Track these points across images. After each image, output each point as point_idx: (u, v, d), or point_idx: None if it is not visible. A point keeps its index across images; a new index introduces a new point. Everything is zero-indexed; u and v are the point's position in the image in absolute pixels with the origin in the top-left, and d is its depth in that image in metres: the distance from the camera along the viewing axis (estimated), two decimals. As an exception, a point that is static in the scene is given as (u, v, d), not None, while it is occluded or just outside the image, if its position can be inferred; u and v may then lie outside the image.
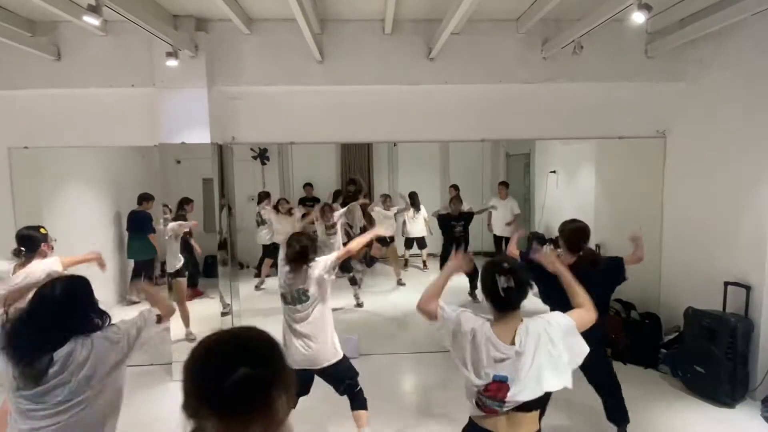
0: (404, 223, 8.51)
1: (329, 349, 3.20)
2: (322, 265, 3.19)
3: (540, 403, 2.03)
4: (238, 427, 0.96)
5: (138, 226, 6.84)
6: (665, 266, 5.16)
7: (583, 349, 2.06)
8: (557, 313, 2.13)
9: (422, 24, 4.58)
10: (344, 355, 3.30)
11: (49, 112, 4.70)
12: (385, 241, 7.67)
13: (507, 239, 8.36)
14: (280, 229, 7.17)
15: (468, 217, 7.17)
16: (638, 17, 3.29)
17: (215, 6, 3.85)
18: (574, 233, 3.28)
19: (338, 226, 6.79)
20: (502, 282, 2.00)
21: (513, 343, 1.98)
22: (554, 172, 7.79)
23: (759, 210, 4.00)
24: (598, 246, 6.15)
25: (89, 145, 4.92)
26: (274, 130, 4.90)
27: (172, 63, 4.13)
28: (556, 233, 7.63)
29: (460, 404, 3.83)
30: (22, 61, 4.38)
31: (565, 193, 7.48)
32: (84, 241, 6.29)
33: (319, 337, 3.15)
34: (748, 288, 4.03)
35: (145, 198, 6.90)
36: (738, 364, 3.93)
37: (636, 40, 4.67)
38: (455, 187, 8.72)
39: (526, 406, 1.99)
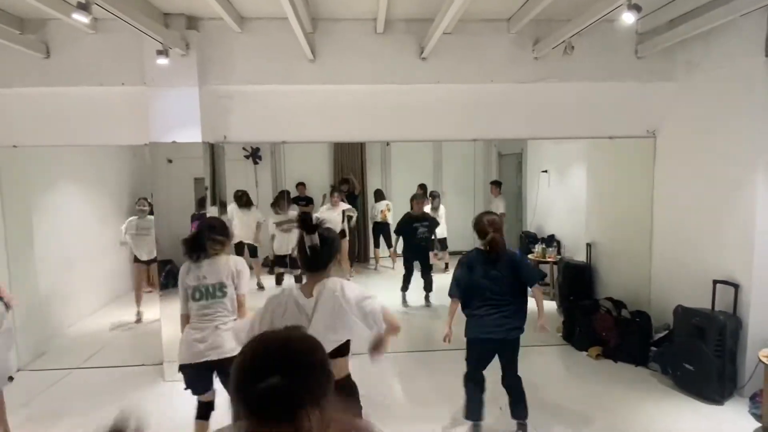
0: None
1: None
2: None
3: (342, 352, 2.15)
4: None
5: None
6: (655, 265, 5.20)
7: (375, 308, 2.17)
8: (357, 285, 2.26)
9: (414, 23, 4.59)
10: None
11: (38, 111, 4.65)
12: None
13: None
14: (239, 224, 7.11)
15: (432, 219, 7.12)
16: (628, 18, 3.32)
17: (206, 4, 3.82)
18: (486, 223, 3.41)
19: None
20: (308, 240, 2.11)
21: (311, 295, 2.13)
22: (546, 171, 7.83)
23: (746, 209, 4.04)
24: (589, 245, 6.20)
25: (79, 144, 4.89)
26: (266, 129, 4.89)
27: (162, 61, 4.10)
28: (547, 233, 7.78)
29: (453, 402, 3.83)
30: (10, 59, 4.33)
31: (557, 193, 7.52)
32: (74, 240, 6.27)
33: None
34: (736, 286, 4.08)
35: None
36: (726, 362, 3.97)
37: (626, 40, 4.71)
38: (422, 187, 8.77)
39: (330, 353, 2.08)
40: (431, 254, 7.38)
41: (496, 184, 8.63)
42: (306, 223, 2.13)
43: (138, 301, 6.37)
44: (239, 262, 3.13)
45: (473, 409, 3.48)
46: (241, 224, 7.11)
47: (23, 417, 3.91)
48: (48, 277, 5.54)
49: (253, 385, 0.97)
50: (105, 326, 6.25)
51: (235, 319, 3.05)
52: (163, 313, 4.63)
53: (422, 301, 6.98)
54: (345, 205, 7.81)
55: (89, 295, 6.72)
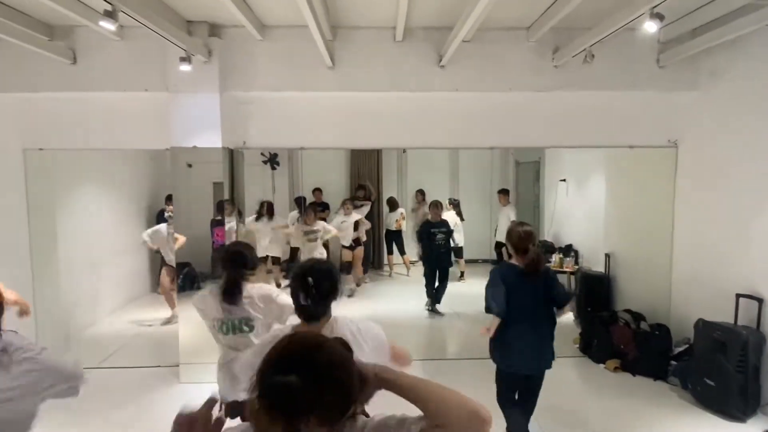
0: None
1: None
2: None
3: None
4: (265, 420, 1.01)
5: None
6: (676, 277, 5.10)
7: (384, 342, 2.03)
8: (375, 325, 2.05)
9: (433, 31, 4.60)
10: None
11: (63, 115, 4.77)
12: (350, 247, 7.75)
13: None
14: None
15: (449, 226, 7.16)
16: (650, 26, 3.28)
17: (229, 12, 3.89)
18: (524, 236, 3.16)
19: (320, 233, 6.93)
20: (302, 299, 1.89)
21: None
22: (564, 180, 7.76)
23: (772, 222, 3.95)
24: (607, 256, 6.11)
25: (103, 147, 5.00)
26: (284, 135, 4.94)
27: (185, 68, 4.18)
28: (564, 242, 7.69)
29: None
30: (39, 65, 4.45)
31: (575, 202, 7.44)
32: (95, 242, 6.40)
33: None
34: (760, 300, 3.97)
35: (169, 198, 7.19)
36: (749, 378, 3.87)
37: (648, 49, 4.66)
38: (421, 192, 9.00)
39: None
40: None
41: (504, 192, 8.57)
42: (299, 275, 1.91)
43: (172, 303, 6.19)
44: (263, 291, 2.78)
45: (519, 425, 3.30)
46: (262, 236, 7.18)
47: (43, 413, 3.98)
48: (69, 278, 5.65)
49: (274, 376, 1.00)
50: (122, 327, 6.34)
51: None
52: (180, 316, 4.68)
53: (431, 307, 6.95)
54: (358, 215, 7.84)
55: (108, 296, 6.84)
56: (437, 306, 6.90)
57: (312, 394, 0.99)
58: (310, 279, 1.88)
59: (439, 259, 6.92)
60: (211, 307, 2.75)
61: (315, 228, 6.99)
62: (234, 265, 2.72)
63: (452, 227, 7.42)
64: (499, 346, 3.19)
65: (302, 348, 1.06)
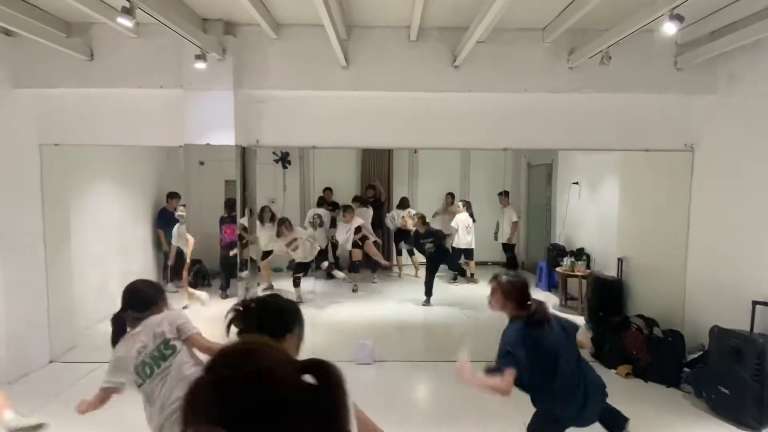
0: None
1: None
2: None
3: None
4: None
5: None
6: (690, 282, 5.03)
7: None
8: None
9: (448, 32, 4.58)
10: None
11: (79, 111, 4.82)
12: (356, 245, 7.79)
13: (511, 247, 8.39)
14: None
15: (436, 233, 7.40)
16: (669, 28, 3.24)
17: (244, 11, 3.91)
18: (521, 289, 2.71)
19: (300, 241, 7.01)
20: (240, 331, 1.64)
21: None
22: (577, 183, 7.69)
23: (791, 228, 3.88)
24: (620, 260, 6.04)
25: (117, 143, 5.04)
26: (297, 134, 4.94)
27: (200, 65, 4.20)
28: (576, 245, 7.64)
29: (472, 415, 3.77)
30: (56, 61, 4.50)
31: (588, 205, 7.37)
32: (107, 237, 6.45)
33: None
34: (777, 308, 3.90)
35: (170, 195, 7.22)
36: (765, 387, 3.79)
37: (665, 51, 4.60)
38: (452, 195, 9.23)
39: None
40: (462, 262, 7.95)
41: (505, 194, 8.55)
42: (240, 314, 1.65)
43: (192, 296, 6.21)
44: (171, 316, 2.53)
45: None
46: (265, 242, 7.30)
47: (54, 407, 4.02)
48: (82, 273, 5.70)
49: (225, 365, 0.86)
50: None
51: None
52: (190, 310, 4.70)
53: (447, 310, 6.97)
54: (359, 220, 7.87)
55: (119, 292, 6.87)
56: (464, 271, 7.57)
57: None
58: (252, 310, 1.65)
59: (432, 260, 7.29)
60: (129, 350, 2.41)
61: (293, 236, 7.04)
62: (130, 305, 2.52)
63: (452, 231, 7.83)
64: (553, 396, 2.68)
65: (243, 353, 0.89)
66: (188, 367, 2.37)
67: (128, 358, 2.39)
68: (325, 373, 0.84)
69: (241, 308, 1.66)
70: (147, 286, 2.64)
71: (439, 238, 7.33)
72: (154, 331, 2.41)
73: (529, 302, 2.64)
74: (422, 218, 7.44)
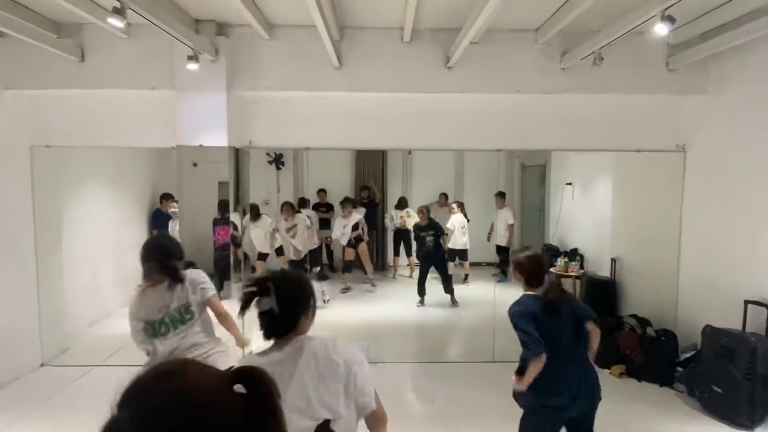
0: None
1: None
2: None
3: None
4: None
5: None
6: (683, 282, 5.06)
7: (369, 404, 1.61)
8: (359, 355, 1.67)
9: (441, 33, 4.58)
10: None
11: (71, 112, 4.78)
12: (351, 244, 7.79)
13: (505, 249, 8.38)
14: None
15: (438, 227, 7.36)
16: (661, 29, 3.26)
17: (237, 11, 3.89)
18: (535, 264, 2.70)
19: (300, 228, 6.95)
20: (260, 305, 1.56)
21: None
22: (570, 184, 7.72)
23: (782, 228, 3.91)
24: (614, 260, 6.07)
25: (109, 145, 5.00)
26: (290, 135, 4.93)
27: (192, 66, 4.18)
28: (570, 246, 7.66)
29: (467, 415, 3.77)
30: (46, 62, 4.46)
31: (581, 206, 7.40)
32: (99, 239, 6.40)
33: None
34: (769, 307, 3.93)
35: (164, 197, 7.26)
36: (758, 386, 3.82)
37: (657, 52, 4.63)
38: (445, 195, 9.13)
39: None
40: (451, 264, 7.61)
41: (501, 195, 8.55)
42: (259, 288, 1.58)
43: None
44: (192, 274, 2.75)
45: None
46: (253, 235, 7.26)
47: (45, 410, 3.98)
48: (73, 275, 5.65)
49: None
50: (126, 325, 6.32)
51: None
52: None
53: (442, 311, 6.98)
54: (359, 216, 7.84)
55: (111, 295, 6.82)
56: (454, 298, 7.19)
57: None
58: (270, 284, 1.57)
59: (427, 259, 7.22)
60: (148, 305, 2.58)
61: (294, 222, 7.01)
62: (165, 257, 2.67)
63: (446, 229, 7.64)
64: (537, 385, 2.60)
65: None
66: (201, 336, 2.64)
67: (152, 311, 2.58)
68: (255, 380, 0.82)
69: (255, 288, 1.57)
70: (168, 239, 2.90)
71: (439, 231, 7.28)
72: (177, 293, 2.61)
73: (542, 280, 2.66)
74: (427, 210, 7.37)
